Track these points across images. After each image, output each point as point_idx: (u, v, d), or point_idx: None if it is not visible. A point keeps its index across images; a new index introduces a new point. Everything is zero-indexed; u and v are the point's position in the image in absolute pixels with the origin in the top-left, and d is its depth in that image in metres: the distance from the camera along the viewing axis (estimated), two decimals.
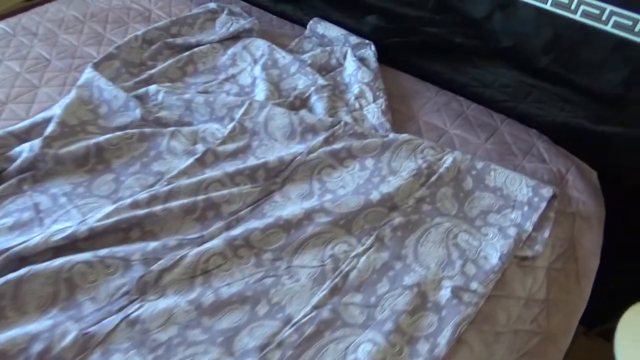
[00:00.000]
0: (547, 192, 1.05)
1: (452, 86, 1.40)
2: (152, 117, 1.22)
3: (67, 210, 1.02)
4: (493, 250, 0.98)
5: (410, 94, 1.35)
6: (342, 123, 1.20)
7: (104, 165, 1.11)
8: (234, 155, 1.16)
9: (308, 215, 1.01)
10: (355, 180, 1.10)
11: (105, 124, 1.21)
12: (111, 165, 1.12)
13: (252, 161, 1.14)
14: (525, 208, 1.05)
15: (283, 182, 1.10)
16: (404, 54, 1.49)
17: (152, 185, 1.08)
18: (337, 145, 1.14)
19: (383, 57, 1.46)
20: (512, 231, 1.01)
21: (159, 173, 1.10)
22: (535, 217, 1.02)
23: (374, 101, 1.29)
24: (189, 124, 1.24)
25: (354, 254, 0.97)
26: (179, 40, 1.46)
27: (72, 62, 1.41)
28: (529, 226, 1.02)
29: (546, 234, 1.01)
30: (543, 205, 1.04)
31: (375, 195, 1.04)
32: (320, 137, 1.17)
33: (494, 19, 1.43)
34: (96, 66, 1.33)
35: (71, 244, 0.94)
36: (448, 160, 1.13)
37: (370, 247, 0.98)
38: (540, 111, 1.31)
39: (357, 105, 1.29)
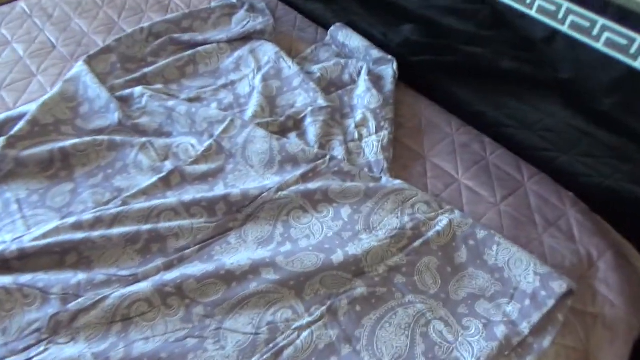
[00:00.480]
0: (559, 286, 0.82)
1: (481, 122, 1.17)
2: (131, 122, 1.13)
3: (14, 221, 0.95)
4: (468, 353, 0.78)
5: (425, 127, 1.14)
6: (328, 157, 1.03)
7: (67, 172, 1.04)
8: (202, 178, 1.04)
9: (255, 269, 0.86)
10: (324, 231, 0.93)
11: (82, 125, 1.13)
12: (74, 174, 1.03)
13: (219, 189, 1.01)
14: (527, 302, 0.82)
15: (245, 220, 0.96)
16: (432, 75, 1.27)
17: (106, 203, 0.98)
18: (312, 185, 0.98)
19: (406, 77, 1.25)
20: (501, 330, 0.80)
21: (117, 189, 1.01)
22: (536, 317, 0.80)
23: (376, 132, 1.10)
24: (168, 134, 1.13)
25: (297, 325, 0.81)
26: (185, 37, 1.35)
27: (76, 50, 1.34)
28: (525, 327, 0.80)
29: (546, 342, 0.78)
30: (550, 303, 0.81)
31: (338, 256, 0.87)
32: (298, 172, 1.01)
33: (555, 43, 1.16)
34: (91, 59, 1.25)
35: (1, 262, 0.87)
36: (442, 221, 0.92)
37: (318, 320, 0.82)
38: (586, 168, 1.04)
39: (355, 135, 1.11)
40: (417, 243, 0.90)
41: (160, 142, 1.09)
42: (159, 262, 0.89)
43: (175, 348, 0.79)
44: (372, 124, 1.11)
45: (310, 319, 0.82)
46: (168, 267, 0.88)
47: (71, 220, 0.92)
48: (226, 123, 1.09)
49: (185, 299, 0.84)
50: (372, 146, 1.08)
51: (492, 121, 1.16)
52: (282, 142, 1.05)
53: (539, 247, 0.92)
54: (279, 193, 0.96)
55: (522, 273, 0.85)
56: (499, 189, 1.01)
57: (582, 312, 0.84)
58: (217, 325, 0.81)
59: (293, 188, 0.97)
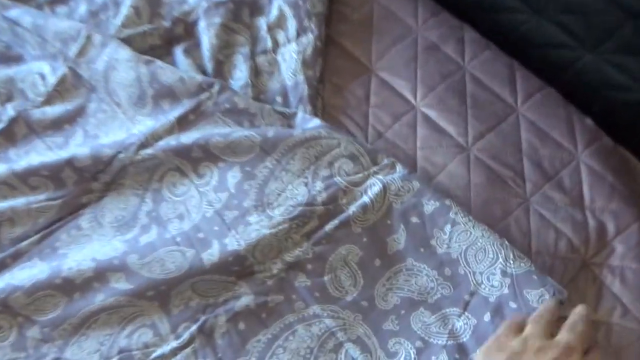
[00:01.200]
0: (538, 297, 0.52)
1: (467, 4, 0.76)
2: None
3: None
4: None
5: (378, 20, 0.75)
6: (216, 88, 0.69)
7: None
8: (56, 126, 0.74)
9: (100, 275, 0.61)
10: (203, 208, 0.64)
11: None
12: None
13: (76, 142, 0.73)
14: (487, 317, 0.54)
15: (103, 191, 0.69)
16: None
17: None
18: (187, 137, 0.67)
19: None
20: None
21: None
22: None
23: (297, 37, 0.73)
24: (18, 59, 0.81)
25: (158, 353, 0.59)
26: None
27: None
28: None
29: None
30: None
31: (212, 254, 0.60)
32: (176, 113, 0.69)
33: None
34: None
35: None
36: (373, 187, 0.61)
37: (186, 346, 0.59)
38: (622, 75, 0.66)
39: (268, 44, 0.75)
40: (331, 225, 0.60)
41: (1, 74, 0.79)
42: None
43: None
44: (291, 25, 0.74)
45: (176, 343, 0.59)
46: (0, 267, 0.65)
47: None
48: (81, 40, 0.76)
49: (17, 316, 0.62)
50: (290, 60, 0.73)
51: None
52: (152, 68, 0.72)
53: (522, 217, 0.60)
54: (142, 152, 0.67)
55: (485, 270, 0.56)
56: (474, 120, 0.66)
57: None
58: (55, 354, 0.60)
59: (162, 142, 0.67)
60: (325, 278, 0.59)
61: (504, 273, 0.54)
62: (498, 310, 0.54)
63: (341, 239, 0.60)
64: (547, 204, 0.60)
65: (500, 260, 0.55)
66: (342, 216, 0.60)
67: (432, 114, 0.67)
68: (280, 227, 0.60)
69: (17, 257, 0.66)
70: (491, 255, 0.55)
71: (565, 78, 0.70)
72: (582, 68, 0.68)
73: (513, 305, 0.53)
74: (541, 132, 0.64)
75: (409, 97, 0.69)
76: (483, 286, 0.55)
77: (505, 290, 0.54)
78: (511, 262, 0.54)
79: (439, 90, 0.68)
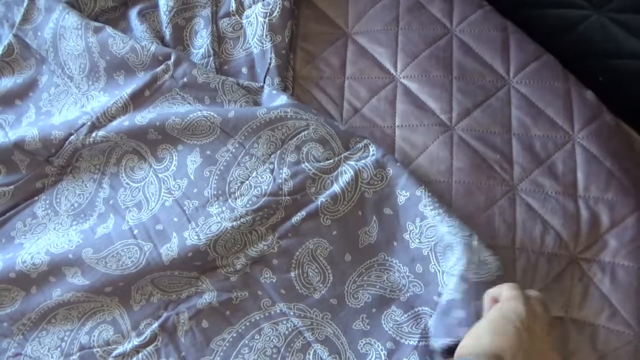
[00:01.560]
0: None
1: None
2: None
3: None
4: None
5: None
6: (172, 60, 0.62)
7: None
8: (6, 101, 0.69)
9: (56, 269, 0.58)
10: (162, 196, 0.59)
11: None
12: None
13: (28, 119, 0.67)
14: (435, 318, 0.50)
15: (59, 175, 0.64)
16: None
17: None
18: (142, 116, 0.60)
19: None
20: None
21: None
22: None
23: None
24: None
25: (119, 351, 0.56)
26: None
27: None
28: None
29: None
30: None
31: (170, 248, 0.56)
32: (130, 87, 0.63)
33: None
34: None
35: None
36: (344, 174, 0.55)
37: (148, 344, 0.56)
38: (631, 39, 0.57)
39: (232, 5, 0.66)
40: (297, 216, 0.55)
41: None
42: None
43: None
44: None
45: (138, 341, 0.56)
46: None
47: None
48: (24, 4, 0.68)
49: None
50: (257, 24, 0.64)
51: None
52: (102, 37, 0.64)
53: (508, 207, 0.54)
54: (94, 133, 0.61)
55: (450, 270, 0.51)
56: (459, 94, 0.59)
57: (559, 319, 0.51)
58: (15, 349, 0.58)
59: (115, 123, 0.61)
60: (292, 274, 0.55)
61: (463, 278, 0.49)
62: (445, 314, 0.49)
63: (309, 232, 0.55)
64: (536, 192, 0.54)
65: (463, 263, 0.50)
66: (311, 207, 0.55)
67: (414, 86, 0.60)
68: (243, 220, 0.55)
69: None
70: (457, 254, 0.50)
71: (566, 42, 0.61)
72: (586, 30, 0.60)
73: (460, 314, 0.49)
74: (534, 109, 0.57)
75: (389, 66, 0.62)
76: (446, 288, 0.51)
77: (458, 296, 0.49)
78: (474, 268, 0.49)
79: (421, 58, 0.61)
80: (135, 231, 0.58)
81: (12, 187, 0.63)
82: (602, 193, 0.53)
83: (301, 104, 0.59)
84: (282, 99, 0.59)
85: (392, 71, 0.62)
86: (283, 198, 0.55)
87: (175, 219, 0.58)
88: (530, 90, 0.58)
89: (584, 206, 0.53)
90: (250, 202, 0.56)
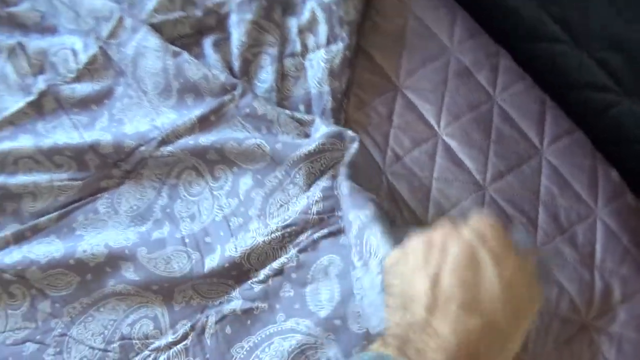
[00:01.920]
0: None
1: (507, 28, 0.72)
2: (5, 11, 0.83)
3: None
4: None
5: (411, 34, 0.73)
6: (238, 91, 0.69)
7: None
8: (83, 104, 0.76)
9: (112, 261, 0.64)
10: (214, 211, 0.66)
11: None
12: None
13: (101, 123, 0.74)
14: None
15: (122, 178, 0.71)
16: None
17: None
18: (206, 138, 0.67)
19: None
20: None
21: None
22: None
23: (327, 44, 0.71)
24: (52, 30, 0.82)
25: (155, 345, 0.62)
26: None
27: None
28: None
29: None
30: None
31: (212, 259, 0.62)
32: (198, 112, 0.70)
33: None
34: None
35: None
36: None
37: (179, 342, 0.62)
38: None
39: (297, 46, 0.74)
40: (319, 233, 0.60)
41: (34, 45, 0.80)
42: (10, 230, 0.69)
43: (10, 355, 0.64)
44: (322, 30, 0.72)
45: (172, 338, 0.62)
46: (19, 239, 0.68)
47: None
48: (113, 21, 0.76)
49: (31, 288, 0.66)
50: (318, 68, 0.71)
51: (528, 25, 0.71)
52: (179, 61, 0.72)
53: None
54: (162, 148, 0.68)
55: None
56: (495, 157, 0.65)
57: None
58: (62, 330, 0.64)
59: (182, 141, 0.68)
60: (307, 289, 0.60)
61: None
62: None
63: (325, 248, 0.60)
64: (556, 257, 0.59)
65: None
66: (333, 227, 0.61)
67: (454, 144, 0.66)
68: (274, 235, 0.61)
69: (35, 232, 0.69)
70: None
71: (598, 123, 0.67)
72: (618, 114, 0.65)
73: None
74: (562, 180, 0.62)
75: (433, 123, 0.68)
76: None
77: None
78: None
79: (464, 120, 0.67)
80: (187, 240, 0.64)
81: (79, 182, 0.70)
82: (617, 267, 0.57)
83: (337, 131, 0.65)
84: (322, 129, 0.65)
85: (436, 127, 0.68)
86: (312, 217, 0.61)
87: (222, 233, 0.64)
88: (560, 162, 0.63)
89: (599, 276, 0.58)
90: (282, 219, 0.62)
